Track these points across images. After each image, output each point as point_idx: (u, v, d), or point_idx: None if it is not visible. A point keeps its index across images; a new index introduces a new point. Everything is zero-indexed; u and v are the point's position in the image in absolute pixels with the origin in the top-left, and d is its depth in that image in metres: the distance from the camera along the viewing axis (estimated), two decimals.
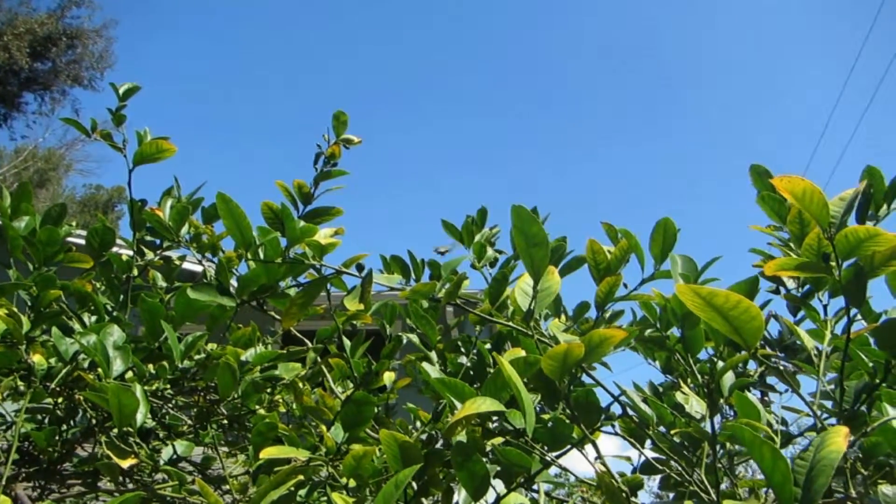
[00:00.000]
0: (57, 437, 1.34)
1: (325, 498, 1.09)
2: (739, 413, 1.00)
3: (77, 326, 1.37)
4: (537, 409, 1.11)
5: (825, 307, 1.20)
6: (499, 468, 0.98)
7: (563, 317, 1.41)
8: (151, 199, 1.63)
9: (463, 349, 1.56)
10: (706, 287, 0.76)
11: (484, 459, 0.92)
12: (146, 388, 1.25)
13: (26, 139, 26.94)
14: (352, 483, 1.04)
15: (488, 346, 1.47)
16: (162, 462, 1.26)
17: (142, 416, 1.09)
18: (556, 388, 0.99)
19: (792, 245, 1.12)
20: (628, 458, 1.30)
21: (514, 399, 0.85)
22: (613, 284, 1.19)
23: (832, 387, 1.15)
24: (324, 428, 1.16)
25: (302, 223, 1.25)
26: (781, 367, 1.24)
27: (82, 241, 1.62)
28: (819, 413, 1.01)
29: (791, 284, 1.36)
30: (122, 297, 1.54)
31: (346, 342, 1.48)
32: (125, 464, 1.10)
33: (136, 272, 1.58)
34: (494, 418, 1.00)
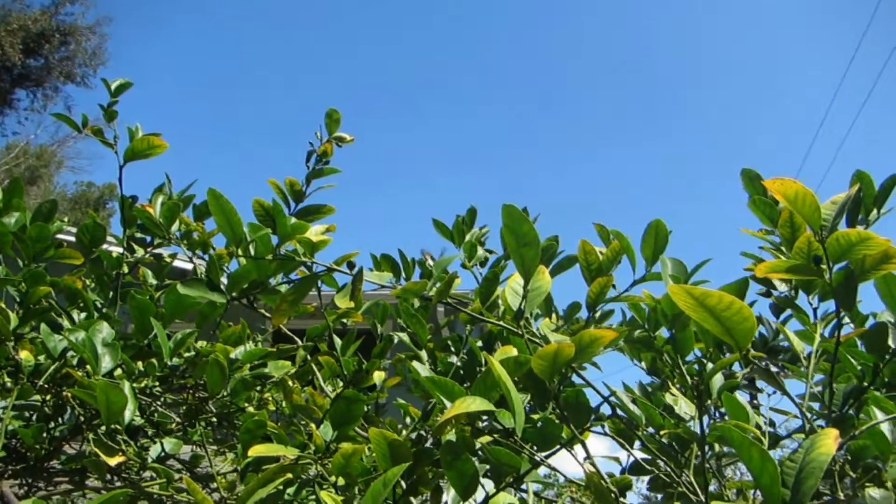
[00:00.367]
0: (44, 435, 1.33)
1: (314, 496, 1.09)
2: (728, 414, 1.01)
3: (66, 323, 1.37)
4: (527, 408, 1.11)
5: (815, 310, 1.20)
6: (488, 467, 0.98)
7: (553, 316, 1.41)
8: (143, 197, 1.63)
9: (453, 348, 1.56)
10: (699, 287, 0.76)
11: (473, 459, 0.92)
12: (135, 385, 1.24)
13: (18, 136, 26.81)
14: (340, 481, 1.04)
15: (479, 345, 1.47)
16: (150, 460, 1.25)
17: (130, 413, 1.08)
18: (546, 387, 0.99)
19: (782, 248, 1.12)
20: (617, 459, 1.30)
21: (504, 398, 0.85)
22: (604, 285, 1.19)
23: (820, 389, 1.16)
24: (313, 426, 1.16)
25: (293, 220, 1.25)
26: (771, 369, 1.24)
27: (73, 238, 1.61)
28: (808, 415, 1.01)
29: (781, 287, 1.36)
30: (111, 293, 1.53)
31: (337, 340, 1.48)
32: (113, 461, 1.10)
33: (126, 269, 1.58)
34: (484, 418, 1.00)
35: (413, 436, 1.22)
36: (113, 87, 1.53)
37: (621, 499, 0.92)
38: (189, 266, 1.61)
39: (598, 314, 1.26)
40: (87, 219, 1.57)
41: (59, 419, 1.37)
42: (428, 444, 1.09)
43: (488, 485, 0.97)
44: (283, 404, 1.52)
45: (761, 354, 1.28)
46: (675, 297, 0.78)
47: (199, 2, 64.05)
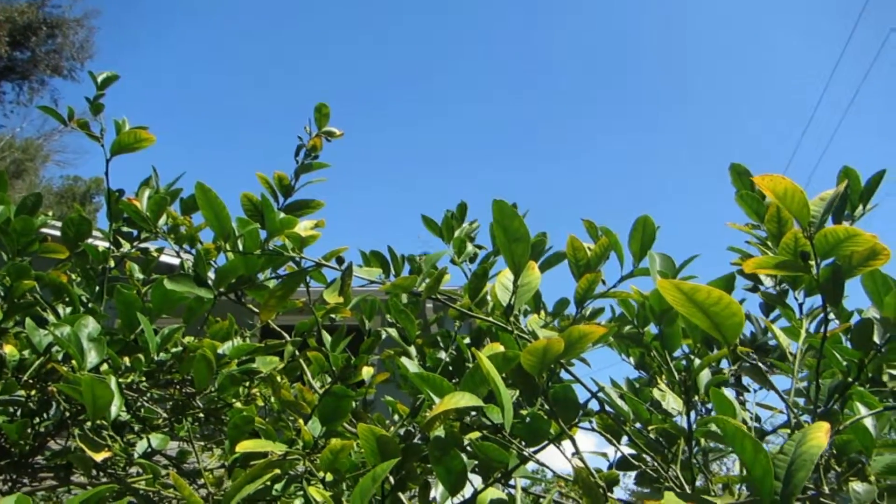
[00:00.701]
0: (29, 430, 1.32)
1: (302, 492, 1.09)
2: (715, 409, 1.01)
3: (51, 317, 1.35)
4: (515, 404, 1.11)
5: (800, 306, 1.21)
6: (476, 463, 0.98)
7: (542, 313, 1.42)
8: (130, 191, 1.61)
9: (442, 344, 1.56)
10: (688, 282, 0.76)
11: (462, 454, 0.92)
12: (121, 380, 1.23)
13: (3, 129, 26.54)
14: (329, 477, 1.04)
15: (467, 341, 1.47)
16: (136, 455, 1.24)
17: (116, 408, 1.07)
18: (534, 383, 0.99)
19: (769, 244, 1.13)
20: (605, 455, 1.31)
21: (493, 394, 0.85)
22: (593, 281, 1.19)
23: (805, 384, 1.17)
24: (301, 422, 1.15)
25: (282, 215, 1.24)
26: (759, 365, 1.25)
27: (58, 233, 1.60)
28: (794, 411, 1.02)
29: (768, 283, 1.37)
30: (97, 288, 1.52)
31: (326, 336, 1.47)
32: (99, 457, 1.09)
33: (112, 263, 1.56)
34: (472, 413, 1.00)
35: (401, 432, 1.21)
36: (99, 79, 1.51)
37: (609, 493, 0.93)
38: (176, 261, 1.60)
39: (587, 310, 1.26)
40: (72, 212, 1.56)
41: (44, 415, 1.36)
42: (416, 440, 1.09)
43: (476, 480, 0.97)
44: (272, 400, 1.52)
45: (749, 350, 1.29)
46: (663, 292, 0.78)
47: None
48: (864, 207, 1.26)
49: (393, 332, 1.59)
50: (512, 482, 1.13)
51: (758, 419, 1.33)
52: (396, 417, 1.43)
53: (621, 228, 1.28)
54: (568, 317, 1.44)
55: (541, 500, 1.61)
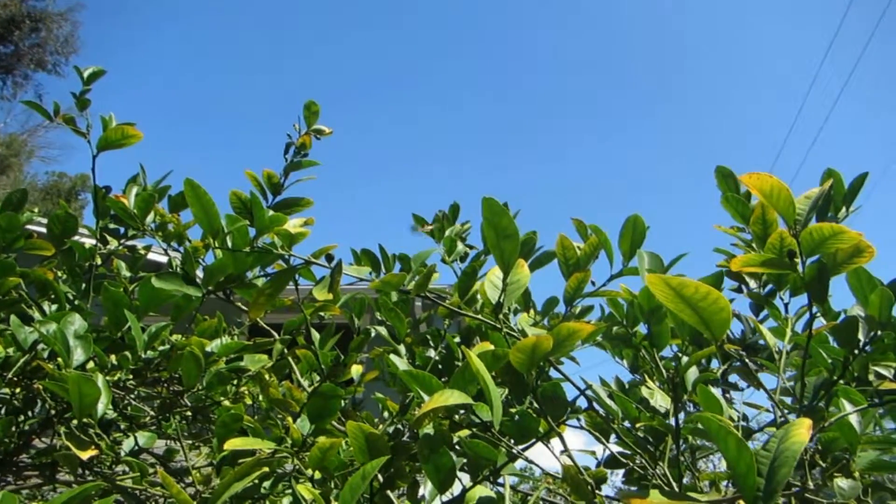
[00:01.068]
0: (14, 428, 1.31)
1: (290, 490, 1.09)
2: (703, 407, 1.02)
3: (37, 315, 1.34)
4: (504, 402, 1.11)
5: (786, 305, 1.23)
6: (465, 461, 0.98)
7: (531, 311, 1.42)
8: (117, 188, 1.60)
9: (431, 343, 1.56)
10: (676, 277, 0.77)
11: (450, 452, 0.92)
12: (108, 378, 1.22)
13: None
14: (317, 475, 1.03)
15: (457, 339, 1.47)
16: (123, 454, 1.23)
17: (103, 406, 1.07)
18: (523, 381, 1.00)
19: (754, 245, 1.14)
20: (593, 453, 1.31)
21: (482, 392, 0.86)
22: (582, 280, 1.20)
23: (791, 383, 1.18)
24: (290, 420, 1.15)
25: (271, 212, 1.24)
26: (747, 363, 1.26)
27: (44, 229, 1.58)
28: (780, 409, 1.03)
29: (753, 284, 1.38)
30: (84, 285, 1.51)
31: (315, 334, 1.47)
32: (85, 455, 1.08)
33: (99, 261, 1.55)
34: (462, 411, 1.01)
35: (390, 429, 1.21)
36: (85, 74, 1.50)
37: (597, 491, 0.93)
38: (164, 259, 1.59)
39: (576, 309, 1.27)
40: (58, 209, 1.54)
41: (30, 412, 1.35)
42: (405, 438, 1.09)
43: (465, 478, 0.98)
44: (260, 398, 1.51)
45: (737, 346, 1.30)
46: (652, 287, 0.78)
47: None
48: (848, 210, 1.28)
49: (382, 330, 1.59)
50: (500, 480, 1.14)
51: (745, 418, 1.34)
52: (386, 415, 1.43)
53: (611, 228, 1.29)
54: (557, 315, 1.44)
55: (529, 497, 1.61)
